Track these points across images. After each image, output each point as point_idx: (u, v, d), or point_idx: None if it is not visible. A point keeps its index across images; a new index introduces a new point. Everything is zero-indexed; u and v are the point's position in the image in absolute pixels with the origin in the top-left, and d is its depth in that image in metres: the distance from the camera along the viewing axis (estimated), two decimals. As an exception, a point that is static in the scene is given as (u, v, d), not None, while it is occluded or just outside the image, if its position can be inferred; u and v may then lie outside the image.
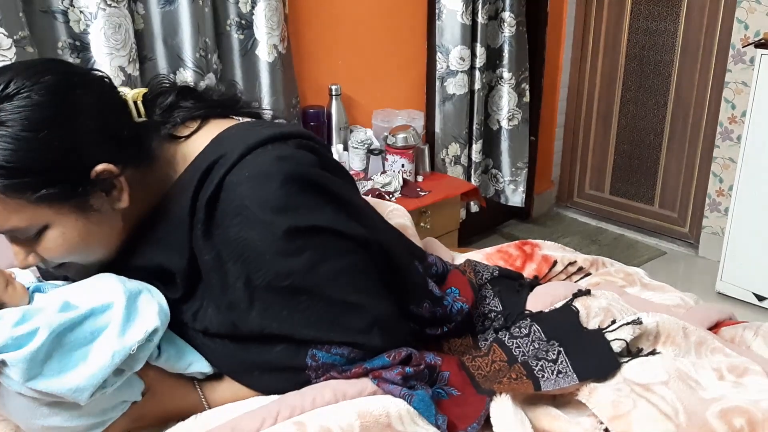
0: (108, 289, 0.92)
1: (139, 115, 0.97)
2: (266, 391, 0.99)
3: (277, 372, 0.98)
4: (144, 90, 1.00)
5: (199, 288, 0.99)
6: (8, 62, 1.63)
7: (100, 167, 0.88)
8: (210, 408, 1.00)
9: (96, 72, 0.96)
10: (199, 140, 1.00)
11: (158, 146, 0.98)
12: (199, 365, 0.99)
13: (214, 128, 1.02)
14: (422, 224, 2.48)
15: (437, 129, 2.91)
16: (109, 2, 1.83)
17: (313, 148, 1.02)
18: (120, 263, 1.00)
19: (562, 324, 1.08)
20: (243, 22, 2.19)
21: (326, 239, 0.95)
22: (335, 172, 1.05)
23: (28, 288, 0.95)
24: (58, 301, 0.89)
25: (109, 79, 0.97)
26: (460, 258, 1.49)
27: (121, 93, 0.97)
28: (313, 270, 0.94)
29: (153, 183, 0.99)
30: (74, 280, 0.99)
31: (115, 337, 0.87)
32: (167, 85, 1.05)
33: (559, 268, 1.41)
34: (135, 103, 0.97)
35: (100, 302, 0.90)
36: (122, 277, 0.96)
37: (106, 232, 0.95)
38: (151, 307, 0.93)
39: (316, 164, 0.99)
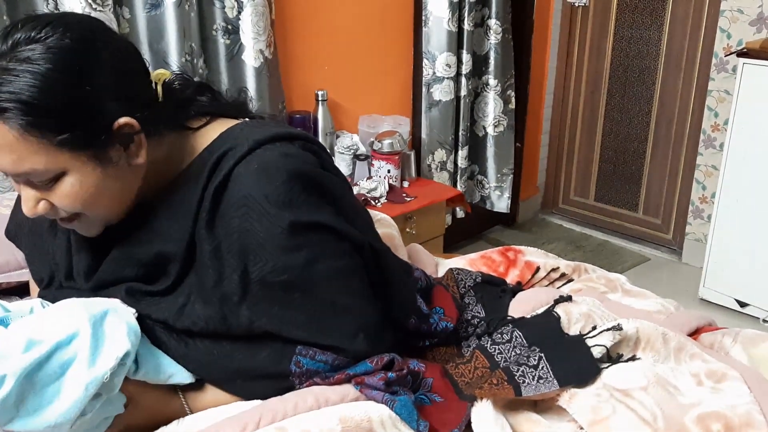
0: (71, 317, 0.90)
1: (157, 97, 0.98)
2: (249, 398, 0.99)
3: (260, 379, 0.98)
4: (167, 74, 1.01)
5: (186, 282, 0.99)
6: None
7: (123, 120, 0.90)
8: (193, 414, 0.99)
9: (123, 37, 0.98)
10: (207, 134, 1.03)
11: (169, 132, 1.00)
12: (180, 376, 0.98)
13: (222, 125, 1.04)
14: (408, 230, 2.48)
15: (423, 135, 2.92)
16: (94, 6, 1.83)
17: (315, 152, 1.04)
18: (119, 252, 1.01)
19: (544, 330, 1.09)
20: (229, 27, 2.19)
21: (325, 237, 0.97)
22: (335, 176, 1.07)
23: None
24: (21, 340, 0.87)
25: (135, 47, 0.99)
26: (444, 264, 1.50)
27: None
28: (310, 267, 0.95)
29: (160, 162, 0.99)
30: (74, 238, 1.00)
31: (86, 367, 0.86)
32: (187, 78, 1.08)
33: (541, 274, 1.42)
34: (155, 84, 0.98)
35: (65, 333, 0.88)
36: (85, 299, 0.95)
37: (118, 188, 0.95)
38: (119, 329, 0.91)
39: (319, 166, 1.02)
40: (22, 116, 0.83)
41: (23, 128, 0.84)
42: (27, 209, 0.93)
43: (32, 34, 0.85)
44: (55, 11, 1.83)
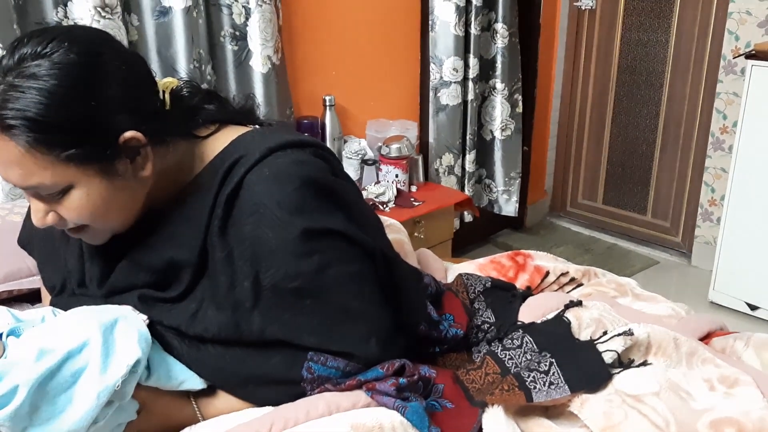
0: (82, 326, 0.91)
1: (165, 105, 0.99)
2: (261, 404, 0.99)
3: (272, 385, 0.98)
4: (175, 82, 1.01)
5: (198, 288, 1.00)
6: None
7: (128, 134, 0.90)
8: (205, 420, 1.00)
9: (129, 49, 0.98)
10: (217, 142, 1.03)
11: (178, 141, 1.00)
12: (191, 383, 0.99)
13: (232, 132, 1.05)
14: (416, 234, 2.48)
15: (431, 139, 2.92)
16: (103, 14, 1.84)
17: (326, 158, 1.05)
18: (131, 259, 1.02)
19: (554, 335, 1.09)
20: (237, 33, 2.20)
21: (337, 243, 0.97)
22: (346, 182, 1.08)
23: (0, 335, 0.93)
24: (33, 349, 0.87)
25: (142, 57, 0.99)
26: (453, 269, 1.50)
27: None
28: (321, 273, 0.95)
29: (171, 170, 1.00)
30: (83, 246, 1.00)
31: (97, 376, 0.87)
32: (194, 86, 1.08)
33: (551, 278, 1.42)
34: (163, 92, 0.98)
35: (76, 342, 0.88)
36: (95, 307, 0.96)
37: (126, 199, 0.96)
38: (130, 336, 0.92)
39: (330, 172, 1.02)
40: (29, 133, 0.84)
41: (30, 144, 0.84)
42: (36, 220, 0.94)
43: (38, 49, 0.85)
44: (64, 20, 1.84)
